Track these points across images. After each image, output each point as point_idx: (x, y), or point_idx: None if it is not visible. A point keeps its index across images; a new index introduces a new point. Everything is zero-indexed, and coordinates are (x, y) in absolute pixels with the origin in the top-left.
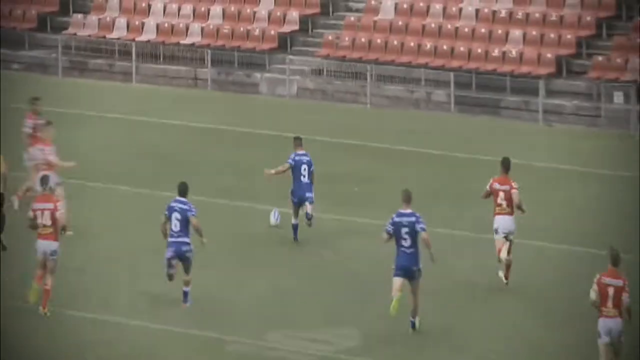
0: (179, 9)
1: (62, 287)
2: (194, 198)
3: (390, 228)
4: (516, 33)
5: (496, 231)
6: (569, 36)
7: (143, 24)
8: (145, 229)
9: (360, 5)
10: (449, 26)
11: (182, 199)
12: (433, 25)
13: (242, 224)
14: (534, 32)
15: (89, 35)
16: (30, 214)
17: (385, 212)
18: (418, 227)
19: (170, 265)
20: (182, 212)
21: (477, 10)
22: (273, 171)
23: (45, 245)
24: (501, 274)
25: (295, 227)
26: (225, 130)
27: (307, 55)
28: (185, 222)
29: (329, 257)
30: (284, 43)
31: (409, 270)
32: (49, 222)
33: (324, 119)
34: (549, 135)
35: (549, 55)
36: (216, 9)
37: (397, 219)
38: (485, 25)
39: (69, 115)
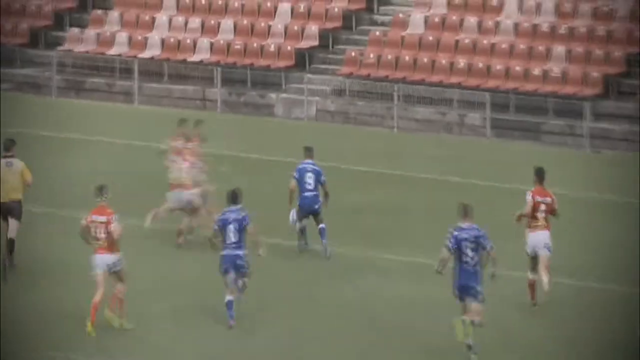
0: (186, 23)
1: (49, 332)
2: (201, 232)
3: (452, 244)
4: (559, 49)
5: (531, 248)
6: (617, 53)
7: (146, 39)
8: (146, 267)
9: (387, 19)
10: (485, 42)
11: (236, 207)
12: (467, 40)
13: (253, 259)
14: (579, 49)
15: (87, 52)
16: (84, 222)
17: (412, 246)
18: (487, 245)
19: (231, 281)
20: (239, 222)
21: (516, 25)
22: (290, 205)
23: (102, 259)
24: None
25: (302, 230)
26: (237, 157)
27: (327, 74)
28: (242, 233)
29: (350, 297)
30: (302, 60)
31: (467, 288)
32: (102, 236)
33: (346, 144)
34: (596, 162)
35: (595, 74)
36: (227, 23)
37: (458, 234)
38: (525, 41)
39: (64, 140)
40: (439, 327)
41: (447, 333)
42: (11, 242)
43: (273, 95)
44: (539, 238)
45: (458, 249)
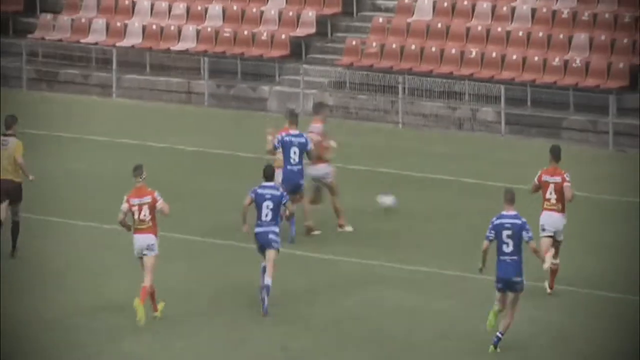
0: (170, 8)
1: (32, 343)
2: (187, 237)
3: (491, 234)
4: (581, 38)
5: (542, 228)
6: None
7: (126, 26)
8: (129, 276)
9: (391, 4)
10: (499, 29)
11: (271, 183)
12: (480, 28)
13: (246, 268)
14: (602, 37)
15: (60, 40)
16: (125, 206)
17: (417, 253)
18: (526, 235)
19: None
20: (275, 199)
21: (533, 10)
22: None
23: (142, 239)
24: (546, 283)
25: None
26: (226, 155)
27: (325, 65)
28: (277, 211)
29: (350, 307)
30: (298, 49)
31: (509, 282)
32: (147, 217)
33: (346, 141)
34: (621, 162)
35: (620, 64)
36: (215, 8)
37: (498, 221)
38: (544, 29)
39: (35, 137)
40: (443, 339)
41: (451, 344)
42: (15, 224)
43: (266, 88)
44: (553, 220)
45: (497, 237)
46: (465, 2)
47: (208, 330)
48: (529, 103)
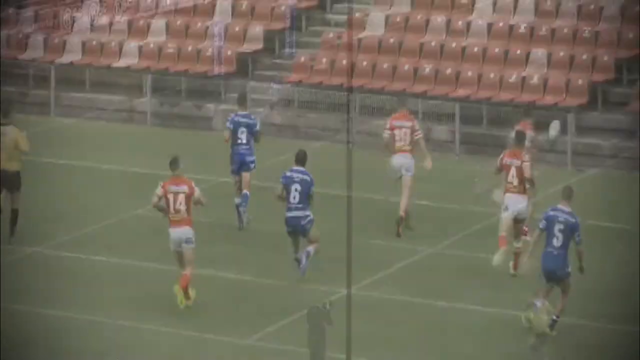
0: (111, 23)
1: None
2: (136, 264)
3: (543, 224)
4: (539, 53)
5: (505, 208)
6: (605, 57)
7: (64, 42)
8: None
9: (341, 18)
10: (454, 45)
11: (301, 168)
12: (434, 43)
13: (197, 296)
14: (561, 53)
15: None
16: (160, 190)
17: (375, 280)
18: (577, 237)
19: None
20: (304, 183)
21: (489, 25)
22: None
23: (179, 233)
24: (511, 264)
25: (238, 207)
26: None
27: (273, 82)
28: (306, 194)
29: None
30: (244, 66)
31: (553, 275)
32: (183, 207)
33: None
34: (580, 182)
35: (579, 81)
36: (158, 23)
37: (552, 213)
38: (500, 44)
39: None
40: None
41: None
42: (14, 212)
43: (211, 106)
44: (515, 201)
45: (547, 229)
46: (419, 17)
47: None
48: (484, 122)
